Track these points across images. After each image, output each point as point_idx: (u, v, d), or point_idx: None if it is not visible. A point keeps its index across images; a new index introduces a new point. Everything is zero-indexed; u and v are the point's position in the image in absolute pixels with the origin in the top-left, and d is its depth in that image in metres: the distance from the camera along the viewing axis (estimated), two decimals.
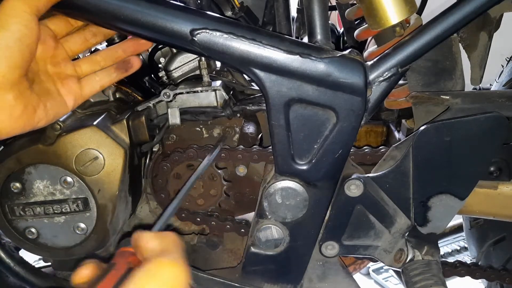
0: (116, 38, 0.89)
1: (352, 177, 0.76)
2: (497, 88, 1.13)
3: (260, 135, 0.98)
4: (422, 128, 0.73)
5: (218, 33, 0.65)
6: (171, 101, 0.85)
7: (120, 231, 0.89)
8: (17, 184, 0.79)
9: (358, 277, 1.64)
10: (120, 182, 0.80)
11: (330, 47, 0.71)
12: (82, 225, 0.81)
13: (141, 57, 0.93)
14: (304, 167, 0.73)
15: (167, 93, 0.85)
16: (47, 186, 0.79)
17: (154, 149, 0.92)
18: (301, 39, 1.22)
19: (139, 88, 0.96)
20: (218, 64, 0.95)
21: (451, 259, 0.98)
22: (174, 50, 0.89)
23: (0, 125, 0.55)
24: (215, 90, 0.86)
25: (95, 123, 0.79)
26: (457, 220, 1.66)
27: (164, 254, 0.43)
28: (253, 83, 0.98)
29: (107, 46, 0.90)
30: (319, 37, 0.73)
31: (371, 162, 0.83)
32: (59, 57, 0.66)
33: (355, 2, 0.85)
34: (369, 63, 0.69)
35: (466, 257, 2.13)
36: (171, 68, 0.88)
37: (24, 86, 0.57)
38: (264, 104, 0.71)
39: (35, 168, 0.78)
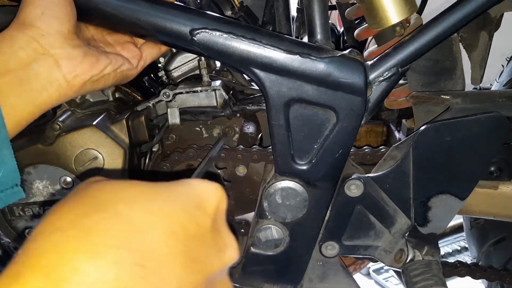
0: None
1: (352, 177, 0.75)
2: (498, 88, 1.13)
3: (260, 135, 0.97)
4: (422, 128, 0.73)
5: (217, 33, 0.65)
6: (170, 101, 0.85)
7: None
8: None
9: (358, 277, 1.64)
10: None
11: (330, 47, 0.70)
12: None
13: None
14: (304, 167, 0.73)
15: (167, 93, 0.85)
16: (46, 186, 0.79)
17: (153, 149, 0.92)
18: (301, 38, 1.22)
19: (138, 88, 0.96)
20: (218, 64, 0.95)
21: (451, 259, 0.97)
22: (174, 50, 0.89)
23: (65, 69, 0.57)
24: (214, 90, 0.86)
25: (94, 123, 0.78)
26: (458, 220, 1.67)
27: None
28: (253, 83, 0.98)
29: None
30: (319, 36, 0.73)
31: (371, 162, 0.83)
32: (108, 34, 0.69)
33: (355, 1, 0.85)
34: (369, 62, 0.69)
35: (467, 257, 2.13)
36: (171, 68, 0.88)
37: (78, 41, 0.60)
38: (264, 104, 0.71)
39: (35, 168, 0.78)
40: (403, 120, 0.97)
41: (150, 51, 0.71)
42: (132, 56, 0.68)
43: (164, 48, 0.73)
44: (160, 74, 0.91)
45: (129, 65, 0.67)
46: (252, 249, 0.81)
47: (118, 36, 0.69)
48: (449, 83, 0.78)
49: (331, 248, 0.81)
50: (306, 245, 0.81)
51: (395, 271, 1.41)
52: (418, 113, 0.80)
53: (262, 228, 0.79)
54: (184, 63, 0.88)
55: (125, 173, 0.80)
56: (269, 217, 0.78)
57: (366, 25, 0.77)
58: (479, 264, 1.06)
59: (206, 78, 0.86)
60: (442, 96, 0.76)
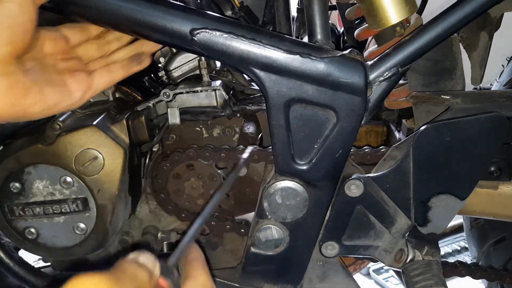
0: None
1: (352, 177, 0.75)
2: (498, 88, 1.13)
3: (260, 135, 0.98)
4: (423, 128, 0.73)
5: (218, 33, 0.65)
6: (170, 101, 0.85)
7: (119, 231, 0.89)
8: (17, 184, 0.79)
9: (358, 277, 1.64)
10: (120, 182, 0.79)
11: (330, 47, 0.70)
12: (82, 225, 0.81)
13: None
14: (304, 167, 0.73)
15: (167, 93, 0.85)
16: (46, 186, 0.79)
17: (154, 149, 0.92)
18: (301, 38, 1.22)
19: (138, 88, 0.96)
20: (218, 64, 0.95)
21: (451, 259, 0.97)
22: (174, 50, 0.89)
23: None
24: (215, 90, 0.86)
25: (94, 123, 0.78)
26: (458, 220, 1.66)
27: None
28: (253, 83, 0.98)
29: None
30: (319, 36, 0.73)
31: (371, 162, 0.83)
32: (70, 55, 0.66)
33: (355, 1, 0.85)
34: (369, 62, 0.69)
35: (467, 257, 2.13)
36: (171, 68, 0.88)
37: (12, 66, 0.55)
38: (264, 104, 0.71)
39: (35, 168, 0.78)
40: (403, 120, 0.97)
41: (102, 80, 0.67)
42: (78, 88, 0.63)
43: (117, 78, 0.69)
44: (160, 74, 0.91)
45: (68, 101, 0.62)
46: (252, 249, 0.81)
47: (71, 63, 0.65)
48: (449, 83, 0.78)
49: (331, 248, 0.81)
50: (306, 245, 0.81)
51: (395, 271, 1.41)
52: (418, 113, 0.80)
53: (262, 228, 0.79)
54: (184, 63, 0.88)
55: (125, 173, 0.80)
56: (269, 217, 0.78)
57: (366, 25, 0.77)
58: (479, 264, 1.06)
59: (206, 78, 0.86)
60: (442, 96, 0.76)
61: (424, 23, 0.71)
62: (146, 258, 0.42)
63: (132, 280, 0.39)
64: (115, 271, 0.39)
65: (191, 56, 0.88)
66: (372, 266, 2.15)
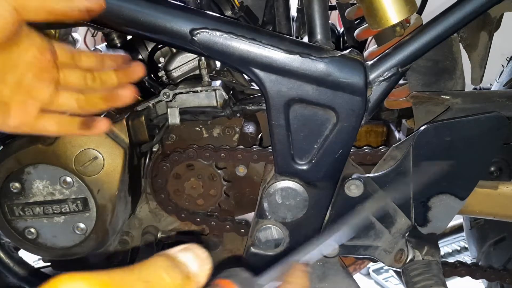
0: (116, 39, 0.89)
1: (352, 177, 0.75)
2: (498, 88, 1.13)
3: (260, 135, 0.97)
4: (422, 128, 0.73)
5: (218, 33, 0.65)
6: (170, 101, 0.85)
7: (119, 231, 0.89)
8: (17, 184, 0.79)
9: (358, 277, 1.64)
10: (120, 182, 0.79)
11: (330, 47, 0.71)
12: (82, 225, 0.81)
13: (140, 56, 0.93)
14: (304, 167, 0.73)
15: (167, 93, 0.85)
16: (46, 186, 0.79)
17: (153, 149, 0.92)
18: (301, 38, 1.22)
19: (138, 88, 0.96)
20: (218, 64, 0.95)
21: (451, 259, 0.97)
22: (174, 50, 0.89)
23: None
24: (215, 90, 0.86)
25: None
26: (458, 220, 1.66)
27: None
28: (253, 83, 0.98)
29: (106, 47, 0.90)
30: (319, 36, 0.73)
31: (371, 162, 0.83)
32: (47, 74, 0.58)
33: (355, 1, 0.85)
34: (369, 63, 0.69)
35: (467, 257, 2.13)
36: (171, 68, 0.88)
37: None
38: (264, 104, 0.71)
39: (35, 168, 0.78)
40: (403, 120, 0.97)
41: (46, 126, 0.59)
42: (17, 116, 0.56)
43: (59, 133, 0.61)
44: (160, 74, 0.91)
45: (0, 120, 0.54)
46: (252, 249, 0.81)
47: (38, 85, 0.57)
48: (449, 83, 0.78)
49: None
50: None
51: (395, 271, 1.41)
52: (418, 113, 0.80)
53: (262, 228, 0.79)
54: (184, 63, 0.88)
55: (125, 173, 0.80)
56: (269, 217, 0.78)
57: (366, 25, 0.77)
58: (479, 264, 1.06)
59: (206, 78, 0.86)
60: (442, 96, 0.76)
61: (424, 23, 0.71)
62: (190, 256, 0.31)
63: (148, 284, 0.28)
64: (127, 270, 0.28)
65: (191, 56, 0.88)
66: (372, 266, 2.15)
